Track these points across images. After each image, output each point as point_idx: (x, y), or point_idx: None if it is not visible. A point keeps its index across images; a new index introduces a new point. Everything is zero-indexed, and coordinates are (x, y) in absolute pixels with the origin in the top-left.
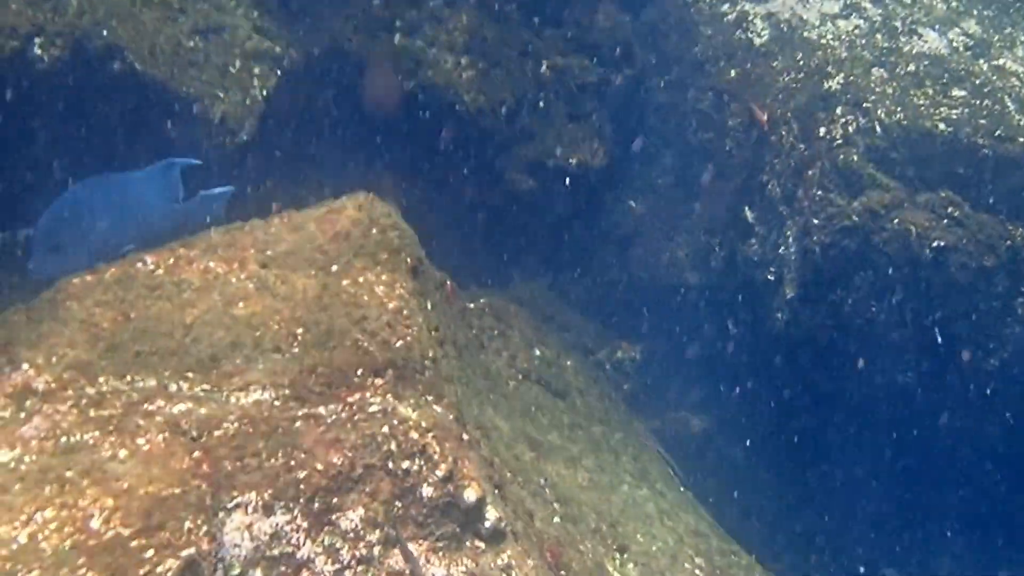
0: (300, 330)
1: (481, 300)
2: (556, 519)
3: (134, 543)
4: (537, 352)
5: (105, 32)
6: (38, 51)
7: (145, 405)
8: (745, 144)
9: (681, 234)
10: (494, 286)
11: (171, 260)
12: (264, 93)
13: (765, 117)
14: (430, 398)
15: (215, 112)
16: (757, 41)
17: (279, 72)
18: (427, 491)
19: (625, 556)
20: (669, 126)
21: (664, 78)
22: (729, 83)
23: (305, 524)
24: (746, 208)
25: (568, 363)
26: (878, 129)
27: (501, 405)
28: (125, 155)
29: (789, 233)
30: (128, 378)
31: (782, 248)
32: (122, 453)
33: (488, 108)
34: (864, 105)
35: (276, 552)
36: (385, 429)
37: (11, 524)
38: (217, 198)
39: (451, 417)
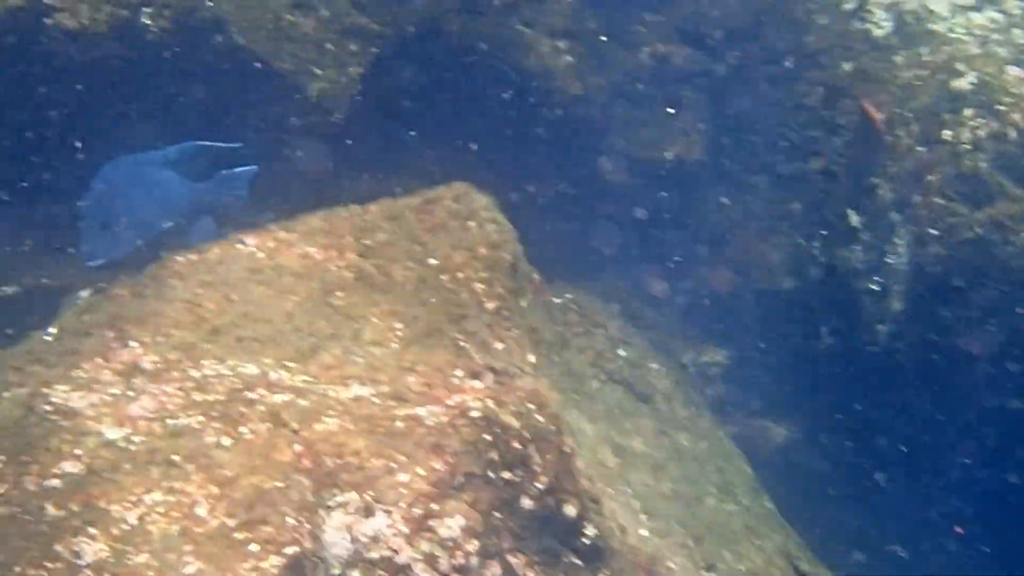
0: (399, 325)
1: (567, 295)
2: (644, 532)
3: (238, 535)
4: (622, 352)
5: (211, 3)
6: (147, 21)
7: (247, 392)
8: (855, 143)
9: (777, 235)
10: (580, 280)
11: (271, 243)
12: (360, 72)
13: (880, 116)
14: (531, 406)
15: (311, 90)
16: (877, 33)
17: (375, 51)
18: (527, 503)
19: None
20: (772, 120)
21: (770, 69)
22: (842, 78)
23: (405, 529)
24: (851, 212)
25: (653, 365)
26: (1012, 135)
27: (584, 407)
28: (222, 127)
29: (900, 242)
30: (230, 363)
31: (891, 257)
32: (225, 441)
33: (584, 96)
34: (996, 108)
35: (375, 555)
36: (488, 437)
37: (122, 504)
38: (237, 178)
39: (553, 428)
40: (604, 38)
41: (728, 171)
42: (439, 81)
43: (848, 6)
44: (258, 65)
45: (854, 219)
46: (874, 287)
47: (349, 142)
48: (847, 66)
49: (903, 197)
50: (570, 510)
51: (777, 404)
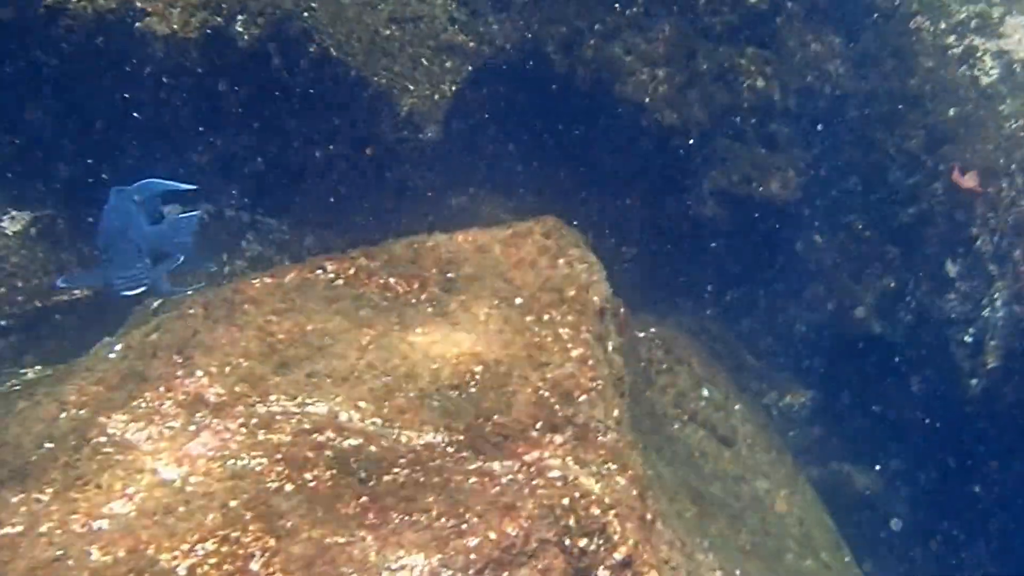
0: (479, 368)
1: (651, 330)
2: None
3: None
4: (705, 392)
5: (305, 14)
6: (239, 28)
7: (315, 436)
8: (956, 191)
9: (869, 278)
10: (666, 314)
11: (351, 270)
12: (453, 89)
13: (972, 184)
14: (613, 467)
15: (403, 105)
16: (984, 80)
17: (470, 68)
18: (603, 575)
19: None
20: (869, 161)
21: (870, 110)
22: (946, 123)
23: None
24: (948, 260)
25: (737, 407)
26: None
27: (664, 449)
28: (311, 140)
29: (998, 296)
30: (299, 400)
31: (987, 310)
32: (288, 487)
33: (680, 127)
34: None
35: None
36: (565, 501)
37: (171, 552)
38: (183, 223)
39: (635, 492)
40: (704, 68)
41: (824, 210)
42: (532, 103)
43: (955, 51)
44: (351, 77)
45: (951, 268)
46: (968, 339)
47: (437, 160)
48: (951, 112)
49: (1003, 250)
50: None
51: (860, 450)
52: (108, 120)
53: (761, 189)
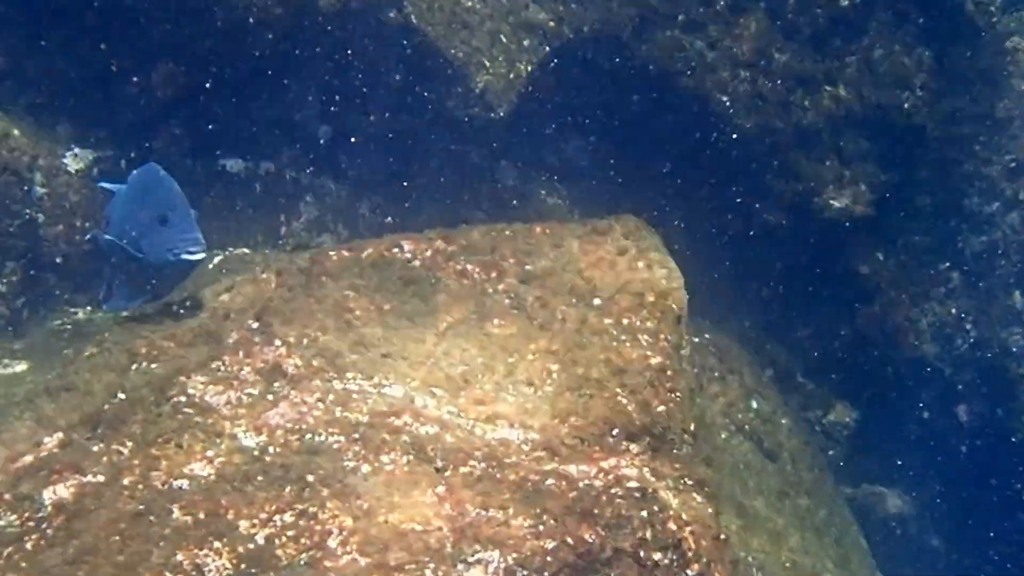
0: (555, 366)
1: (706, 335)
2: None
3: None
4: (755, 404)
5: None
6: None
7: (392, 419)
8: None
9: (929, 301)
10: (721, 320)
11: (428, 252)
12: (528, 69)
13: None
14: (689, 482)
15: (477, 82)
16: None
17: (547, 49)
18: None
19: None
20: (946, 184)
21: (952, 130)
22: None
23: None
24: (1017, 293)
25: (783, 421)
26: None
27: (712, 458)
28: (380, 104)
29: None
30: (375, 380)
31: None
32: (364, 468)
33: (756, 134)
34: None
35: None
36: (643, 514)
37: (250, 520)
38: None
39: (710, 511)
40: (785, 72)
41: (889, 228)
42: (606, 90)
43: None
44: (428, 46)
45: (1019, 301)
46: None
47: (503, 139)
48: None
49: None
50: None
51: (897, 474)
52: (178, 67)
53: (833, 202)
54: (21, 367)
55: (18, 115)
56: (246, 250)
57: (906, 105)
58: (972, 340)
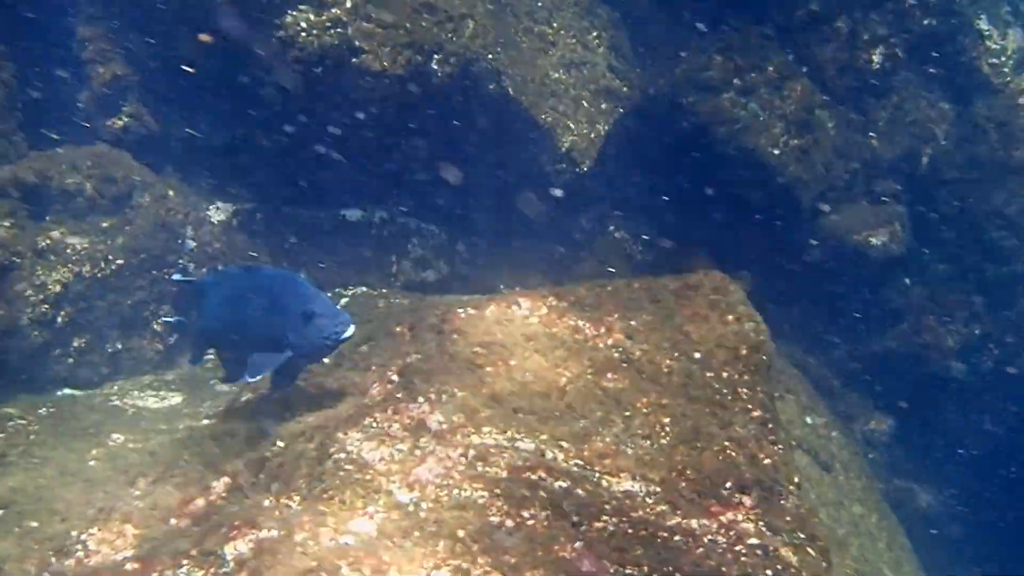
0: (667, 420)
1: None
2: None
3: None
4: (809, 420)
5: (491, 56)
6: (435, 66)
7: (528, 474)
8: None
9: (954, 323)
10: (778, 345)
11: (543, 309)
12: (605, 129)
13: None
14: (802, 536)
15: (563, 142)
16: None
17: (622, 111)
18: None
19: None
20: (965, 219)
21: (972, 173)
22: None
23: None
24: None
25: (834, 434)
26: None
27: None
28: (483, 166)
29: None
30: (509, 434)
31: None
32: (508, 523)
33: (803, 181)
34: None
35: None
36: (769, 573)
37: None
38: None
39: (824, 565)
40: (827, 126)
41: (916, 257)
42: (670, 147)
43: None
44: (523, 114)
45: None
46: None
47: (590, 192)
48: None
49: None
50: None
51: (928, 474)
52: (303, 133)
53: (873, 240)
54: (177, 399)
55: (168, 175)
56: (363, 288)
57: (928, 150)
58: (995, 357)
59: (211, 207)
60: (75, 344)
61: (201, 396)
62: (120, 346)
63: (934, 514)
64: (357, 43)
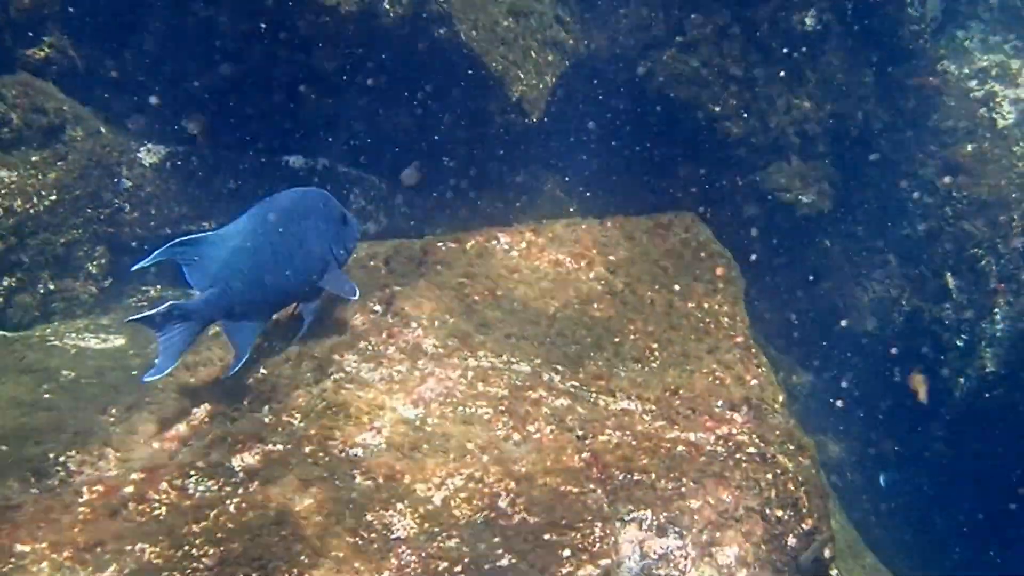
0: (655, 345)
1: None
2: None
3: (547, 536)
4: None
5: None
6: (386, 6)
7: (528, 392)
8: (965, 216)
9: (869, 282)
10: None
11: (523, 244)
12: (552, 81)
13: (923, 390)
14: (792, 447)
15: (513, 91)
16: (1001, 123)
17: (567, 63)
18: (792, 541)
19: None
20: (886, 180)
21: (894, 136)
22: (963, 157)
23: (693, 553)
24: (948, 274)
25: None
26: None
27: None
28: (427, 110)
29: (999, 311)
30: (504, 358)
31: (985, 322)
32: (515, 436)
33: (743, 137)
34: None
35: (662, 574)
36: (769, 476)
37: (426, 484)
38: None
39: (813, 471)
40: (765, 86)
41: (836, 218)
42: (612, 102)
43: (977, 94)
44: (472, 60)
45: (951, 281)
46: (959, 343)
47: (531, 143)
48: (969, 147)
49: (1007, 272)
50: (827, 552)
51: (841, 426)
52: (249, 73)
53: (802, 198)
54: (120, 341)
55: (100, 112)
56: None
57: (856, 114)
58: (905, 313)
59: (142, 148)
60: (4, 283)
61: (147, 339)
62: (52, 287)
63: (843, 465)
64: None
